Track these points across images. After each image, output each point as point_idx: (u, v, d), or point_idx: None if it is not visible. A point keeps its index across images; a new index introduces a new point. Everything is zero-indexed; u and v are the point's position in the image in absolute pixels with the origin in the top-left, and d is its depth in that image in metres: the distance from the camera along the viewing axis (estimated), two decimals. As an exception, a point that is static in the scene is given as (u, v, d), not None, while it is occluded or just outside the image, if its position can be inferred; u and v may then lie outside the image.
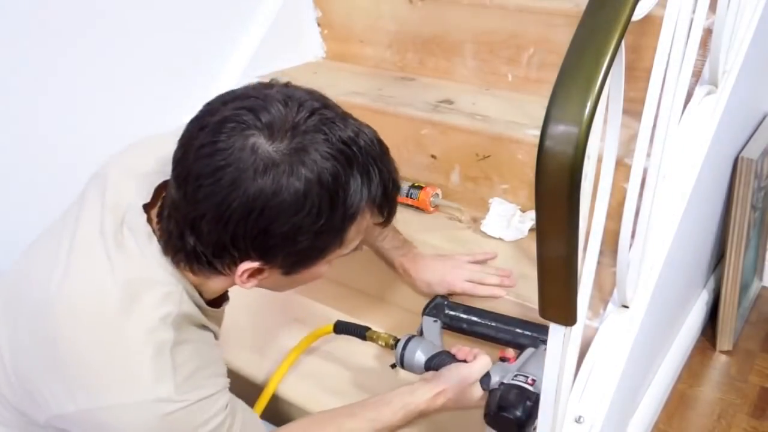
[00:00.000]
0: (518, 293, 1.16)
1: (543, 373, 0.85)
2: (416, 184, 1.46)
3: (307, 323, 1.36)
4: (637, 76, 1.11)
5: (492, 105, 1.49)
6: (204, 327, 0.86)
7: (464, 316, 1.16)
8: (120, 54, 1.40)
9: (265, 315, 1.44)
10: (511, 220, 1.34)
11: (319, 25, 1.85)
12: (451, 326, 1.15)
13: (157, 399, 0.76)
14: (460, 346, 1.05)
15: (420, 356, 1.04)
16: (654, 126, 0.98)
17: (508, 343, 1.10)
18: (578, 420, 1.04)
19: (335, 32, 1.84)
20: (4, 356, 0.82)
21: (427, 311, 1.16)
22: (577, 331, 0.89)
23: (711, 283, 1.80)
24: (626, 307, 1.12)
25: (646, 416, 1.40)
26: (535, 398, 0.91)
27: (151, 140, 0.94)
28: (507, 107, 1.47)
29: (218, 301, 0.91)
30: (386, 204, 0.82)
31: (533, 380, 0.94)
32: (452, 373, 0.99)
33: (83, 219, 0.85)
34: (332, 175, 0.74)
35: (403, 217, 1.42)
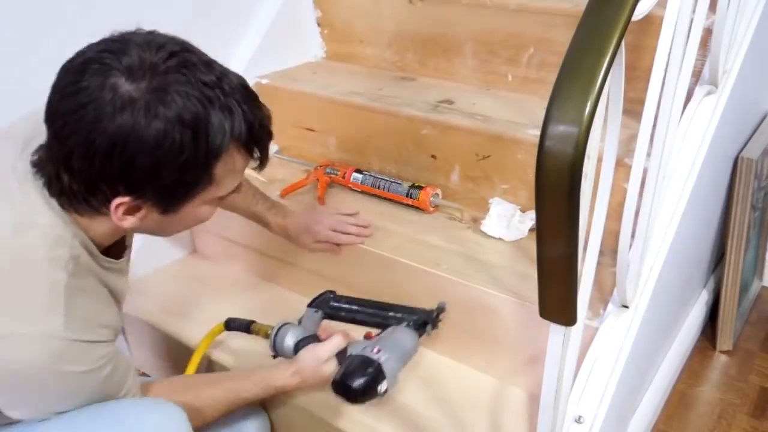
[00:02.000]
0: (519, 293, 1.16)
1: (392, 343, 1.06)
2: (416, 184, 1.46)
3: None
4: (637, 76, 1.11)
5: (492, 105, 1.49)
6: (101, 278, 0.90)
7: (345, 306, 1.22)
8: None
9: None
10: (511, 220, 1.34)
11: (319, 25, 1.85)
12: (333, 316, 1.21)
13: (45, 332, 0.80)
14: (325, 328, 1.16)
15: (289, 341, 1.13)
16: (654, 126, 0.98)
17: (378, 325, 1.16)
18: (578, 420, 1.04)
19: (335, 32, 1.84)
20: None
21: (310, 303, 1.23)
22: (577, 331, 0.89)
23: (711, 283, 1.80)
24: (626, 307, 1.12)
25: (646, 416, 1.40)
26: (376, 365, 1.02)
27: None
28: (507, 107, 1.47)
29: (117, 251, 0.95)
30: (253, 143, 0.85)
31: (378, 350, 1.04)
32: (308, 353, 1.09)
33: None
34: (192, 113, 0.78)
35: (403, 217, 1.43)
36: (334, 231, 1.34)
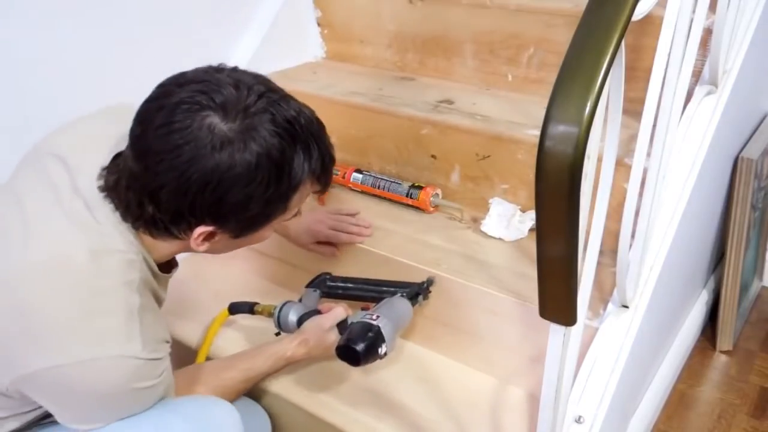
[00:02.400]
0: (519, 293, 1.16)
1: (389, 310, 1.14)
2: (416, 184, 1.46)
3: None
4: (638, 77, 1.11)
5: (492, 105, 1.49)
6: (155, 293, 0.94)
7: (341, 284, 1.30)
8: (121, 54, 1.40)
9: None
10: (511, 220, 1.34)
11: (319, 25, 1.85)
12: (330, 294, 1.29)
13: (125, 354, 0.83)
14: (325, 304, 1.23)
15: (292, 317, 1.21)
16: (654, 126, 0.98)
17: (374, 299, 1.23)
18: (578, 420, 1.04)
19: (335, 32, 1.84)
20: None
21: (308, 284, 1.31)
22: (577, 331, 0.89)
23: (711, 283, 1.81)
24: (626, 307, 1.12)
25: (646, 416, 1.40)
26: (376, 329, 1.10)
27: (101, 115, 1.01)
28: (507, 107, 1.47)
29: (167, 266, 0.99)
30: (324, 175, 0.93)
31: (377, 316, 1.12)
32: (312, 324, 1.17)
33: (30, 192, 0.89)
34: (279, 150, 0.83)
35: (403, 217, 1.42)
36: (335, 231, 1.36)
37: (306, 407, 1.20)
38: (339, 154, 1.62)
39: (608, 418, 1.06)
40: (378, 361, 1.10)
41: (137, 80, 1.45)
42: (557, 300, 0.77)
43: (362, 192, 1.53)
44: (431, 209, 1.44)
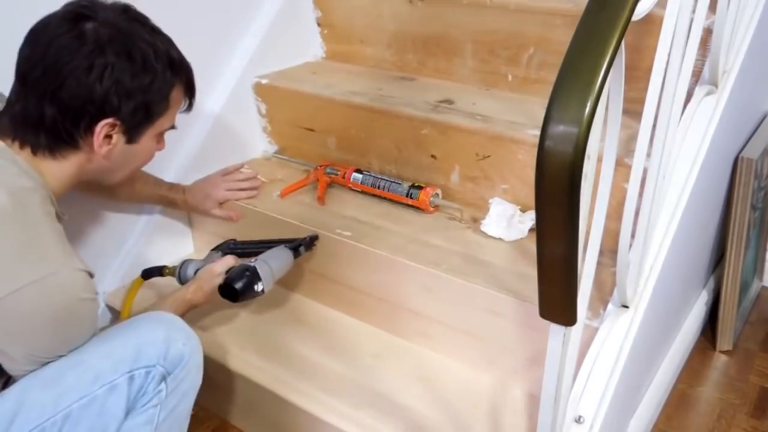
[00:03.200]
0: (519, 293, 1.17)
1: (268, 256, 1.31)
2: (416, 184, 1.46)
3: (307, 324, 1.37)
4: (638, 77, 1.11)
5: (492, 105, 1.50)
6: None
7: (240, 247, 1.44)
8: None
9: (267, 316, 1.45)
10: (510, 220, 1.34)
11: (319, 25, 1.85)
12: (232, 254, 1.38)
13: (68, 266, 0.93)
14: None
15: (190, 271, 1.37)
16: (654, 126, 0.98)
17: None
18: (578, 420, 1.04)
19: (335, 32, 1.84)
20: None
21: (214, 248, 1.45)
22: (577, 331, 0.89)
23: (711, 283, 1.81)
24: (626, 307, 1.12)
25: (646, 416, 1.40)
26: (252, 269, 1.27)
27: None
28: (507, 107, 1.48)
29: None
30: (190, 89, 1.10)
31: (256, 259, 1.29)
32: (204, 272, 1.31)
33: None
34: (165, 50, 1.02)
35: (403, 218, 1.43)
36: (231, 190, 1.55)
37: (305, 407, 1.20)
38: (339, 154, 1.63)
39: (608, 418, 1.07)
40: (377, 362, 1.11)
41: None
42: (557, 300, 0.77)
43: (362, 192, 1.53)
44: (431, 209, 1.44)
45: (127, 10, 1.02)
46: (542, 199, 0.69)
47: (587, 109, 0.64)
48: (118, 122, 0.99)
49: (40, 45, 0.95)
